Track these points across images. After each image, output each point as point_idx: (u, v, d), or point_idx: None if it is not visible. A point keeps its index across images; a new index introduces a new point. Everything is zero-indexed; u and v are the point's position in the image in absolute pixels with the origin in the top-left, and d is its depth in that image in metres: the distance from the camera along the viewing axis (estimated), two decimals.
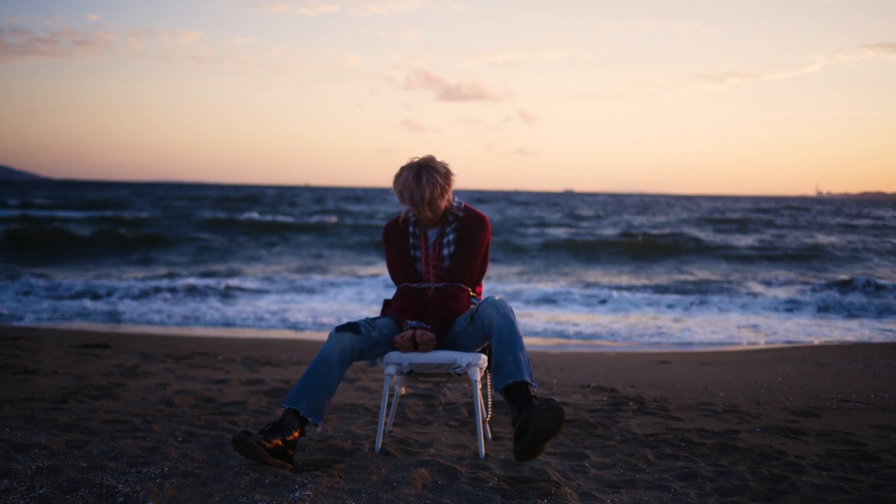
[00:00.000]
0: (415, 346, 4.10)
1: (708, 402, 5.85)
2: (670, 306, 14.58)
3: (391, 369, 4.17)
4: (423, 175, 4.12)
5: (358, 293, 15.85)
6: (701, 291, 16.89)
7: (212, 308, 13.38)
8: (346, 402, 5.49)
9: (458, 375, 4.22)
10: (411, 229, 4.35)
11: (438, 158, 4.22)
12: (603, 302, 15.02)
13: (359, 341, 4.11)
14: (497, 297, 4.08)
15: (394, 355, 4.16)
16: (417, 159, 4.19)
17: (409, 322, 4.16)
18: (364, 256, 23.90)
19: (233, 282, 16.66)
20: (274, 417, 4.94)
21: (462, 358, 4.13)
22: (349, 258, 23.43)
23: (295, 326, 11.87)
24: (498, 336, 3.97)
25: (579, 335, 11.89)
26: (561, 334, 12.10)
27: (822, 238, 33.39)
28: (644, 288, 17.45)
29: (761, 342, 10.95)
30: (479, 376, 4.18)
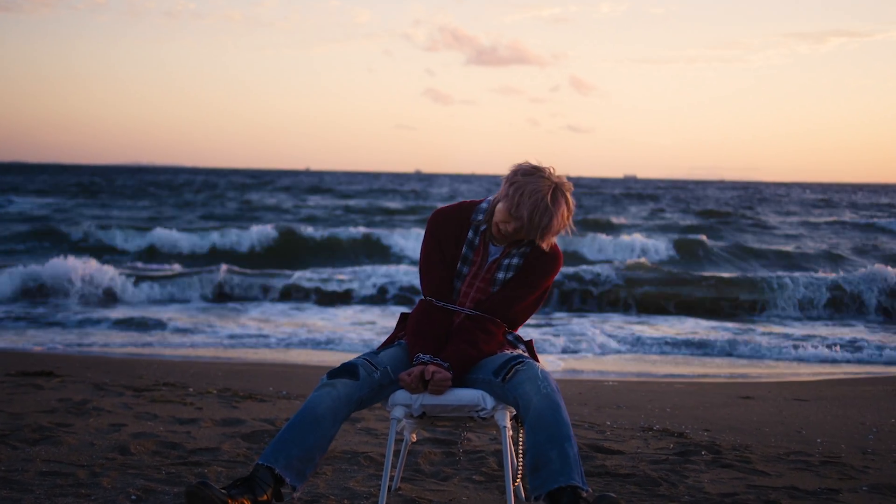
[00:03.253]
0: (424, 386, 4.01)
1: (801, 452, 5.73)
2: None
3: (398, 412, 4.09)
4: (560, 198, 4.04)
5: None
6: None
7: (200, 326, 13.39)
8: (343, 449, 5.42)
9: (483, 420, 4.13)
10: (471, 234, 4.26)
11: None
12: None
13: (357, 389, 4.05)
14: (538, 368, 3.97)
15: (401, 395, 4.08)
16: (549, 170, 4.08)
17: (421, 356, 4.08)
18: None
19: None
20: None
21: (487, 398, 4.04)
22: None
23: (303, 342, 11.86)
24: (539, 423, 3.86)
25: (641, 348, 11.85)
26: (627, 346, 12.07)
27: None
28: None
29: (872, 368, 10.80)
30: (508, 421, 4.10)
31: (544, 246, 4.14)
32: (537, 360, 4.30)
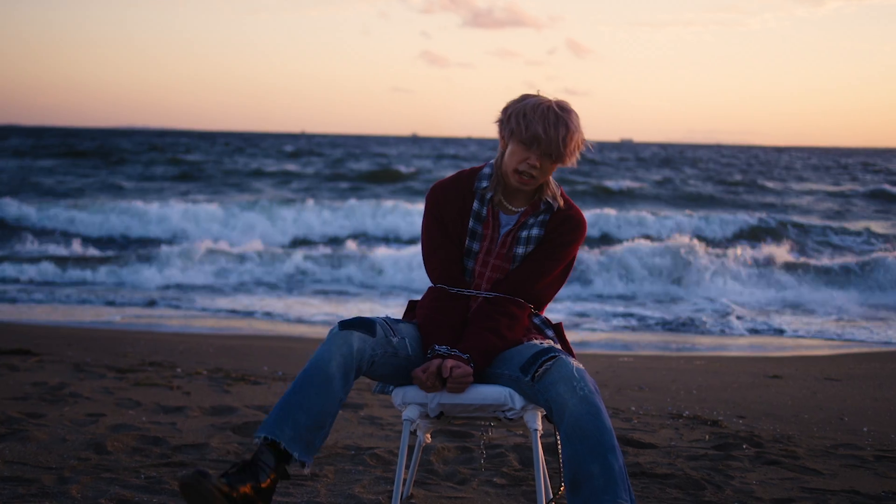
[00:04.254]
0: (441, 384, 3.44)
1: (850, 444, 5.17)
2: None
3: (411, 412, 3.52)
4: (566, 105, 3.54)
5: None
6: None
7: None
8: (346, 444, 4.85)
9: (510, 421, 3.56)
10: (476, 206, 3.68)
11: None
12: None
13: (372, 346, 3.45)
14: (573, 365, 3.36)
15: (413, 392, 3.51)
16: (537, 92, 3.61)
17: (438, 347, 3.51)
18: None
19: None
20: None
21: (515, 397, 3.47)
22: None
23: (297, 319, 11.30)
24: (577, 432, 3.24)
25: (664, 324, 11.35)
26: (640, 320, 11.57)
27: None
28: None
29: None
30: (539, 423, 3.53)
31: (571, 163, 3.56)
32: (569, 348, 3.74)
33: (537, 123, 3.43)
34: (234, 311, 12.00)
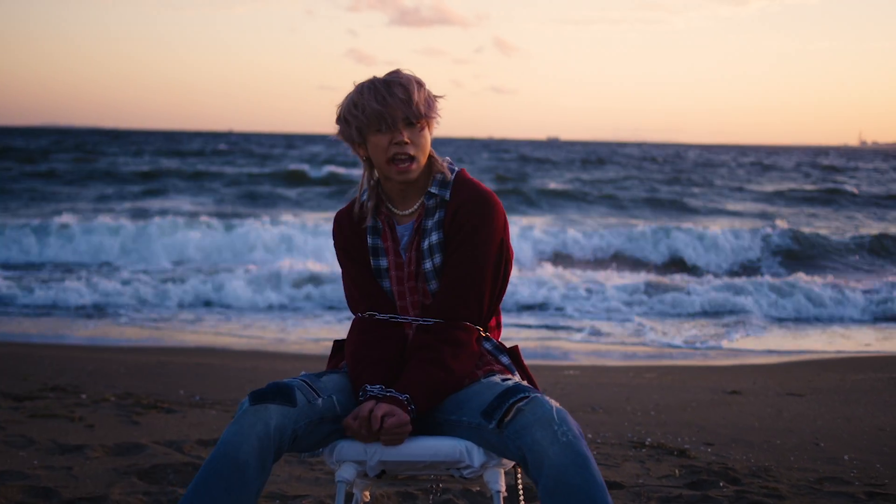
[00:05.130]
0: (375, 433, 2.80)
1: (835, 478, 4.64)
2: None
3: (346, 472, 2.89)
4: (390, 76, 3.02)
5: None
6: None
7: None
8: (270, 492, 4.19)
9: (467, 480, 2.94)
10: (370, 222, 3.10)
11: None
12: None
13: (294, 418, 2.81)
14: (550, 404, 2.73)
15: (349, 447, 2.87)
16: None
17: (370, 388, 2.88)
18: None
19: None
20: None
21: (473, 451, 2.85)
22: None
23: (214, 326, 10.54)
24: (560, 487, 2.61)
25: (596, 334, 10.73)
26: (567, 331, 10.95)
27: None
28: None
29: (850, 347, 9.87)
30: (502, 483, 2.91)
31: (435, 116, 3.06)
32: (529, 376, 3.14)
33: (371, 101, 2.93)
34: (151, 320, 11.24)
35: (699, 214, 26.36)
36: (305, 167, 36.27)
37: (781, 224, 20.39)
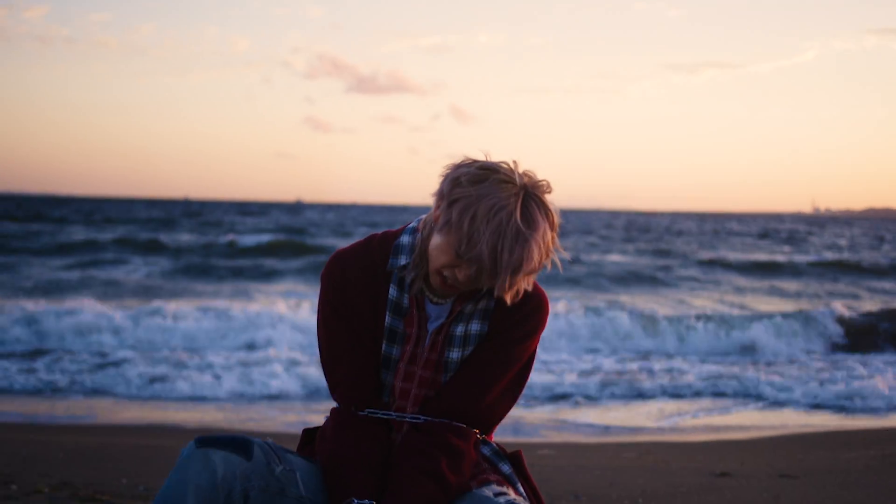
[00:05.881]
0: None
1: None
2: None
3: None
4: (536, 211, 2.40)
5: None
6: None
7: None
8: None
9: None
10: (394, 292, 2.56)
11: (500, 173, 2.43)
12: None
13: (246, 472, 2.34)
14: None
15: None
16: (506, 166, 2.44)
17: (356, 503, 2.38)
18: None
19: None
20: None
21: None
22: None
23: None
24: None
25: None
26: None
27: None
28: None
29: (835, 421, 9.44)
30: None
31: (516, 294, 2.48)
32: (533, 487, 2.66)
33: (485, 240, 2.33)
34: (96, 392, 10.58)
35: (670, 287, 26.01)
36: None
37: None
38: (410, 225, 2.60)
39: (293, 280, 24.74)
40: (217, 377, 11.10)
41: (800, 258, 35.15)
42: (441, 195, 2.43)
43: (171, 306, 15.47)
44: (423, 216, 2.58)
